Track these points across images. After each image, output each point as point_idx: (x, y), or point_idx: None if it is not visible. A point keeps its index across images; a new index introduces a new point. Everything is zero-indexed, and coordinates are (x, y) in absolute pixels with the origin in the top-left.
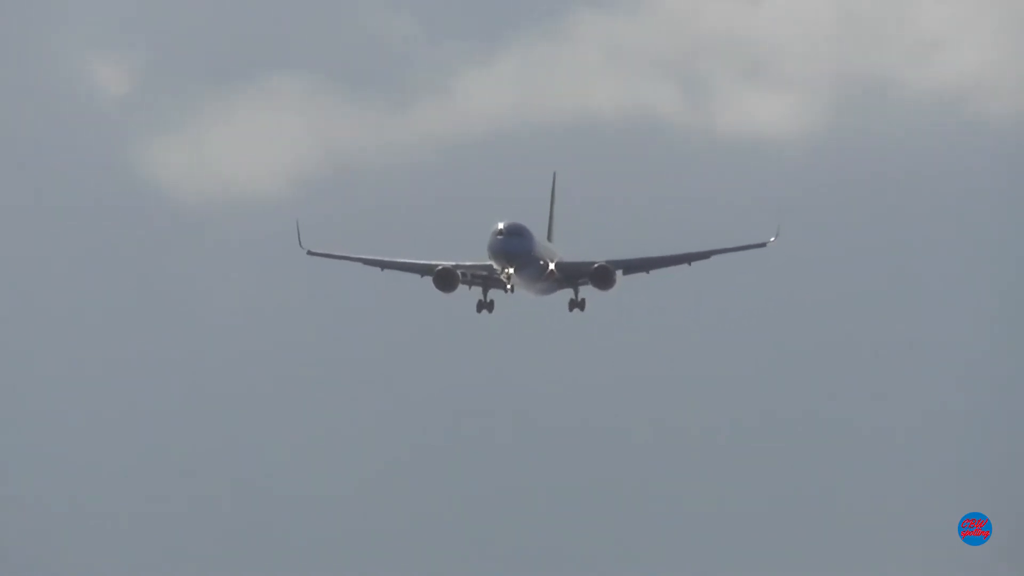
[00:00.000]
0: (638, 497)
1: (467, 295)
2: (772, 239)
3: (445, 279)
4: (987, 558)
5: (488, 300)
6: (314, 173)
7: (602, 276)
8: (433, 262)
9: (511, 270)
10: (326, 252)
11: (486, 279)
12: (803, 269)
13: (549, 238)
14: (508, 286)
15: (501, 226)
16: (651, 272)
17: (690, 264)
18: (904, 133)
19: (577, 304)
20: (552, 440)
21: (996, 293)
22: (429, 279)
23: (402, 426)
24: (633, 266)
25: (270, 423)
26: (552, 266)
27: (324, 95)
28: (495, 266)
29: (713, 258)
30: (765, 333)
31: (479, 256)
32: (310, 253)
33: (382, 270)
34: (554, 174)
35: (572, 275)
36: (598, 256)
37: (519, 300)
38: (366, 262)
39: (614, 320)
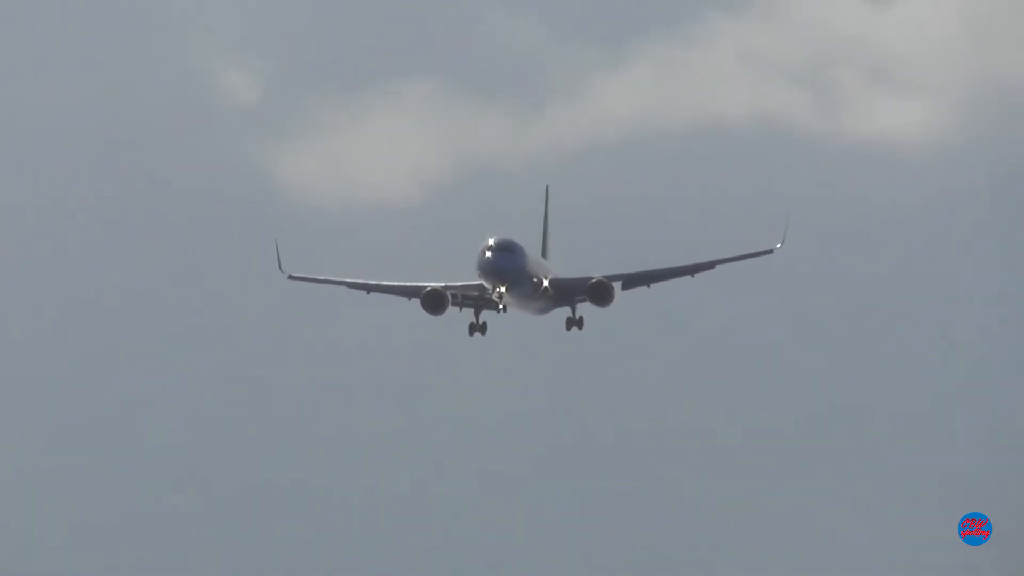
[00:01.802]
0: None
1: (458, 317)
2: (779, 245)
3: (434, 301)
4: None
5: (481, 322)
6: (442, 179)
7: (599, 292)
8: (421, 284)
9: (503, 289)
10: (308, 276)
11: (477, 300)
12: (929, 275)
13: (544, 254)
14: (500, 306)
15: (491, 242)
16: (652, 286)
17: (693, 276)
18: None
19: (575, 323)
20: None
21: None
22: (417, 302)
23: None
24: (633, 280)
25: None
26: (546, 283)
27: (452, 101)
28: (486, 285)
29: (719, 268)
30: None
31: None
32: (291, 278)
33: (368, 293)
34: (547, 187)
35: (568, 292)
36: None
37: (514, 321)
38: (350, 286)
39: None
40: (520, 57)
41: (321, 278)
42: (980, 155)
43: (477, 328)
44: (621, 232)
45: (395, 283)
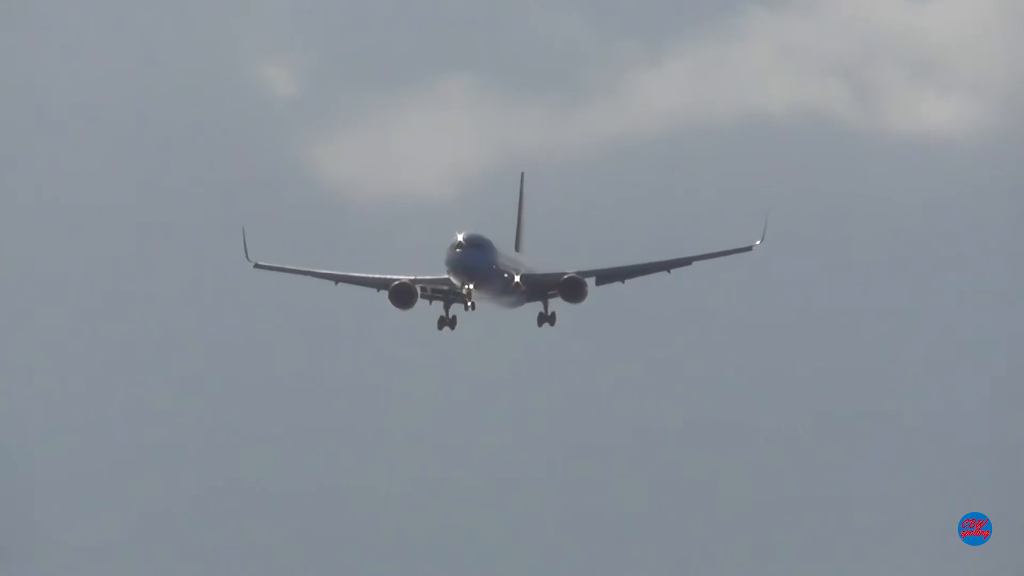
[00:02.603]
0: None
1: (428, 311)
2: (758, 242)
3: (402, 295)
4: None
5: (450, 316)
6: (483, 174)
7: (572, 288)
8: (390, 276)
9: (471, 286)
10: (275, 265)
11: (447, 294)
12: (969, 271)
13: (518, 245)
14: (469, 303)
15: (460, 238)
16: (626, 282)
17: (670, 272)
18: None
19: (547, 318)
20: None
21: None
22: (385, 294)
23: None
24: (607, 276)
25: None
26: (517, 279)
27: (493, 96)
28: (454, 282)
29: (695, 264)
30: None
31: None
32: (257, 266)
33: (335, 284)
34: (522, 175)
35: (540, 288)
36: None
37: (484, 315)
38: (317, 276)
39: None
40: (560, 52)
41: (289, 267)
42: (1022, 150)
43: (446, 322)
44: (653, 227)
45: (363, 274)
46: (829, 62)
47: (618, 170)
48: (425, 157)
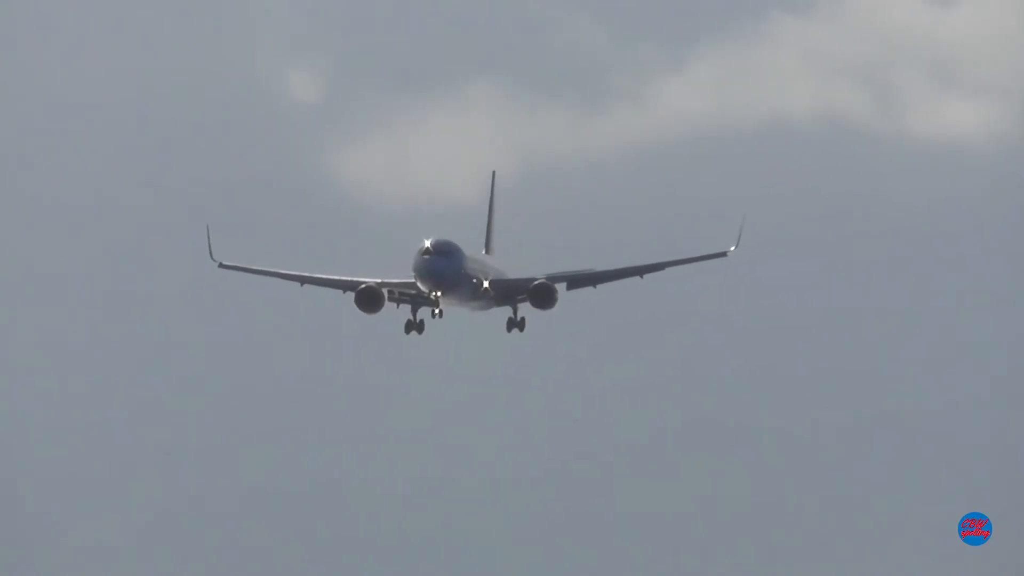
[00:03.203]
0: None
1: (395, 314)
2: (733, 248)
3: (368, 299)
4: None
5: (418, 320)
6: (508, 179)
7: (541, 295)
8: (357, 279)
9: (438, 293)
10: (239, 265)
11: (415, 298)
12: (991, 274)
13: (487, 247)
14: (436, 310)
15: (427, 244)
16: (598, 287)
17: (642, 277)
18: None
19: (516, 324)
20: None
21: None
22: (351, 297)
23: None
24: (578, 280)
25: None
26: (487, 284)
27: (516, 101)
28: (422, 288)
29: (668, 270)
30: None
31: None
32: (222, 266)
33: (301, 285)
34: (493, 173)
35: (509, 293)
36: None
37: (453, 320)
38: (283, 277)
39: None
40: (582, 57)
41: (254, 268)
42: None
43: (414, 326)
44: (673, 230)
45: (329, 276)
46: (851, 66)
47: (639, 175)
48: (446, 161)
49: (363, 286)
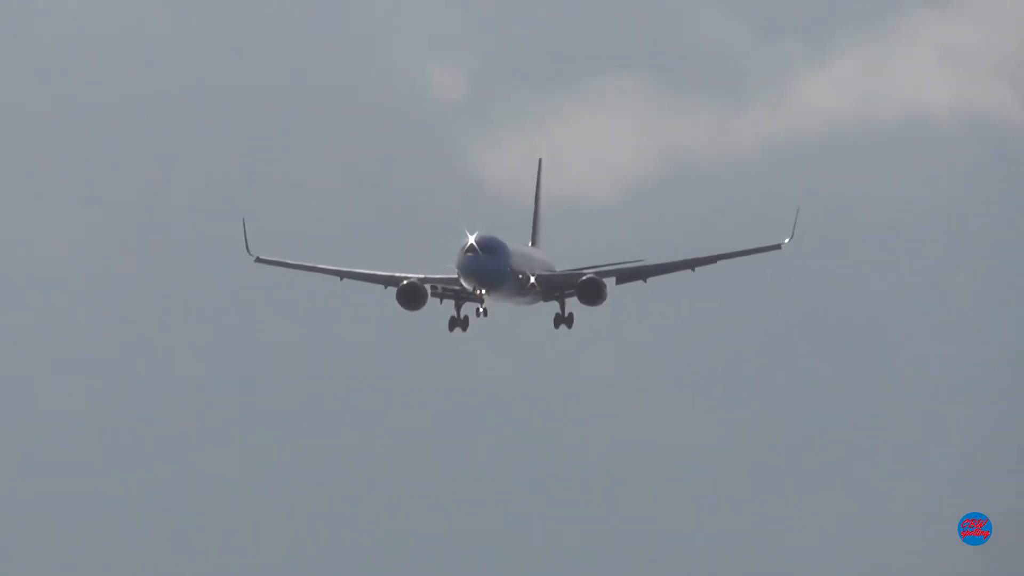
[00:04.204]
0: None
1: (439, 309)
2: (787, 240)
3: (410, 296)
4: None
5: (462, 317)
6: (647, 176)
7: (589, 290)
8: (398, 274)
9: (483, 291)
10: (276, 260)
11: (459, 293)
12: None
13: (535, 234)
14: (481, 308)
15: (471, 241)
16: (648, 280)
17: (694, 270)
18: None
19: (564, 320)
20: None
21: None
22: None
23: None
24: (627, 275)
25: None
26: (533, 279)
27: (656, 98)
28: (465, 285)
29: (720, 263)
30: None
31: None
32: (258, 260)
33: (340, 280)
34: (539, 161)
35: (556, 288)
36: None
37: (498, 315)
38: (321, 271)
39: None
40: (722, 53)
41: (291, 262)
42: None
43: (458, 323)
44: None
45: (370, 271)
46: (992, 62)
47: (778, 170)
48: (587, 158)
49: (405, 282)
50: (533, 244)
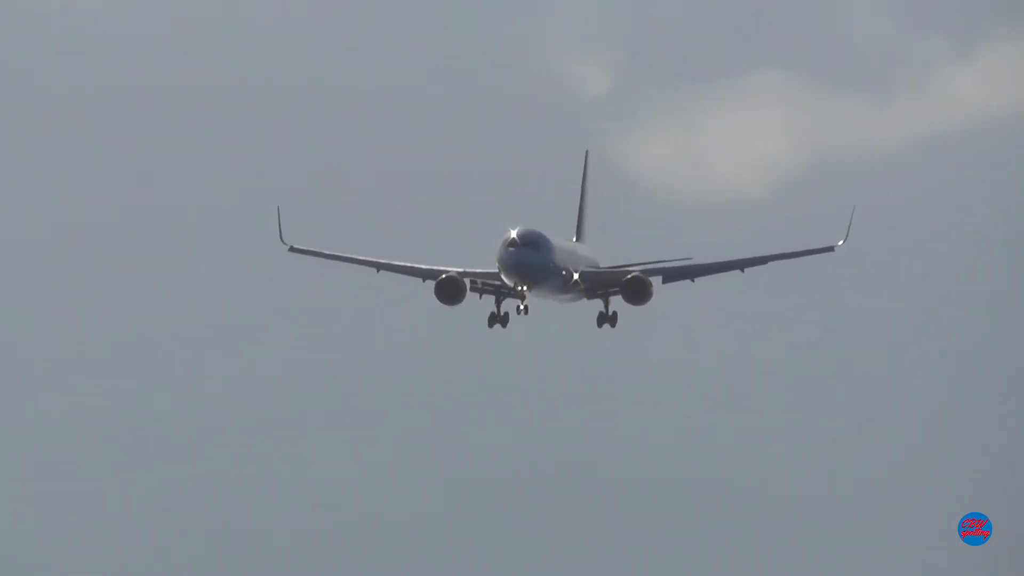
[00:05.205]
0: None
1: (478, 305)
2: (841, 242)
3: (449, 290)
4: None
5: (502, 313)
6: (794, 171)
7: (635, 289)
8: (437, 267)
9: (525, 287)
10: (311, 249)
11: (499, 289)
12: None
13: (580, 229)
14: (522, 305)
15: (513, 235)
16: (696, 280)
17: (743, 271)
18: None
19: (607, 319)
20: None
21: None
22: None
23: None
24: (675, 274)
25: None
26: (576, 276)
27: (804, 93)
28: (507, 281)
29: (770, 265)
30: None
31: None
32: (292, 250)
33: (377, 272)
34: (586, 153)
35: (600, 286)
36: None
37: (540, 311)
38: (356, 262)
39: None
40: (869, 49)
41: (326, 252)
42: None
43: (498, 319)
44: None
45: (407, 263)
46: None
47: (926, 167)
48: (735, 154)
49: (444, 276)
50: (578, 239)
